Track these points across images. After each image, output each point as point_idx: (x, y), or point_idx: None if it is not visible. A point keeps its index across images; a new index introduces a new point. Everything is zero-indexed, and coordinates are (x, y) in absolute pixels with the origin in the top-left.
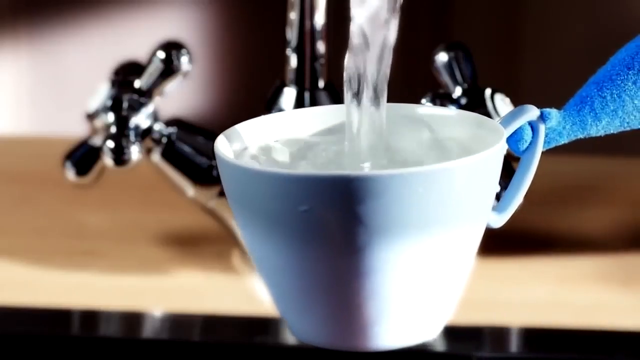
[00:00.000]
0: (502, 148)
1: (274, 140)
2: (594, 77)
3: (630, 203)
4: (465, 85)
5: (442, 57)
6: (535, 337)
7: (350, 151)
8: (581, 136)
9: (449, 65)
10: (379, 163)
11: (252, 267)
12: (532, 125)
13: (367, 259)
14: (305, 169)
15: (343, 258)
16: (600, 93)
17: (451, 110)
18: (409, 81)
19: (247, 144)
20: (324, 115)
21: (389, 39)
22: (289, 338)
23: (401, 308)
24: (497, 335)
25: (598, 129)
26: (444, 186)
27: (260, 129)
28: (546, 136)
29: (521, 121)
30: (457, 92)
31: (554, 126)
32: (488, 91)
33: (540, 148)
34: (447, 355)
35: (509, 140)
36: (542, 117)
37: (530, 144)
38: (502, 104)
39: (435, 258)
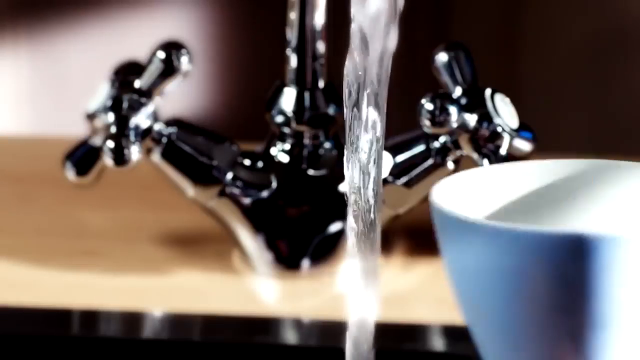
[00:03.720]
0: None
1: (487, 191)
2: None
3: None
4: (465, 85)
5: (442, 57)
6: None
7: (349, 158)
8: None
9: (449, 65)
10: None
11: (252, 267)
12: None
13: (580, 319)
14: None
15: (553, 316)
16: None
17: None
18: (409, 81)
19: (462, 193)
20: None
21: (389, 43)
22: (289, 338)
23: None
24: None
25: None
26: None
27: (479, 179)
28: None
29: None
30: (457, 92)
31: None
32: (488, 91)
33: None
34: (447, 355)
35: None
36: None
37: None
38: (502, 104)
39: None
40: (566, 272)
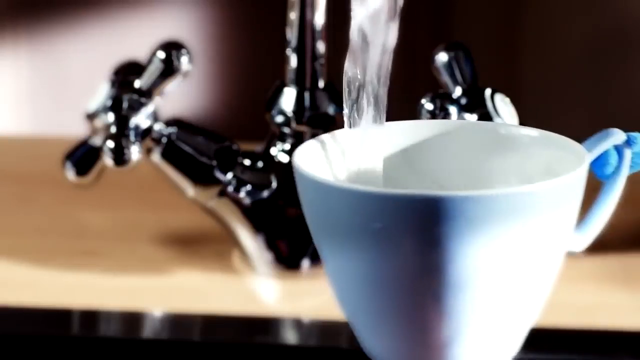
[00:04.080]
0: (585, 172)
1: (349, 154)
2: None
3: (631, 203)
4: (465, 85)
5: (442, 57)
6: (535, 337)
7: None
8: None
9: (449, 65)
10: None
11: (252, 267)
12: (618, 150)
13: (443, 278)
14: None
15: (418, 276)
16: None
17: (534, 131)
18: (409, 81)
19: (323, 157)
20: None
21: (389, 43)
22: (289, 338)
23: (476, 330)
24: None
25: None
26: (525, 209)
27: (339, 142)
28: (631, 160)
29: (606, 145)
30: (457, 92)
31: (639, 150)
32: (488, 91)
33: (626, 173)
34: None
35: (593, 164)
36: (628, 142)
37: (615, 168)
38: (502, 104)
39: (512, 281)
40: (426, 234)
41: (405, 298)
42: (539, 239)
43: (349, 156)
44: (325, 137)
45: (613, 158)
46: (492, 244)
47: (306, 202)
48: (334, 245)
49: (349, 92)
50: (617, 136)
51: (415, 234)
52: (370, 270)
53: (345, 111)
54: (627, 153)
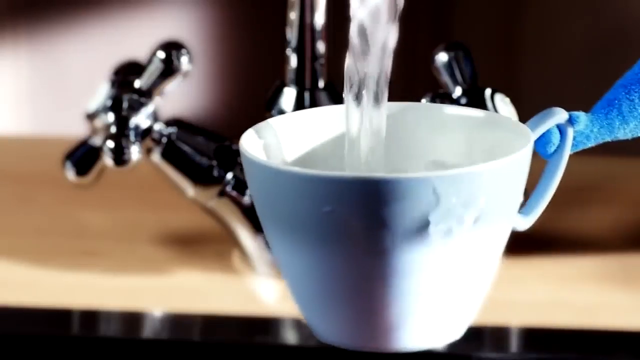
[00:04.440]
0: (529, 151)
1: (296, 138)
2: (621, 80)
3: (631, 203)
4: (465, 85)
5: (442, 57)
6: (535, 337)
7: (350, 153)
8: (608, 139)
9: (449, 65)
10: (381, 165)
11: (252, 267)
12: (560, 129)
13: (391, 261)
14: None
15: (366, 260)
16: (628, 96)
17: (479, 112)
18: (409, 81)
19: (270, 141)
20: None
21: (389, 41)
22: (289, 338)
23: (425, 309)
24: (497, 335)
25: (626, 132)
26: (470, 190)
27: (286, 126)
28: (574, 139)
29: (549, 124)
30: (457, 92)
31: (581, 129)
32: (488, 91)
33: (568, 151)
34: (447, 355)
35: (536, 143)
36: (571, 120)
37: (558, 147)
38: (502, 104)
39: (459, 261)
40: (372, 217)
41: (353, 282)
42: (485, 220)
43: (298, 140)
44: (274, 120)
45: (555, 137)
46: (437, 225)
47: (254, 187)
48: (282, 231)
49: (349, 91)
50: (560, 115)
51: (362, 217)
52: (319, 255)
53: (345, 110)
54: (570, 132)
